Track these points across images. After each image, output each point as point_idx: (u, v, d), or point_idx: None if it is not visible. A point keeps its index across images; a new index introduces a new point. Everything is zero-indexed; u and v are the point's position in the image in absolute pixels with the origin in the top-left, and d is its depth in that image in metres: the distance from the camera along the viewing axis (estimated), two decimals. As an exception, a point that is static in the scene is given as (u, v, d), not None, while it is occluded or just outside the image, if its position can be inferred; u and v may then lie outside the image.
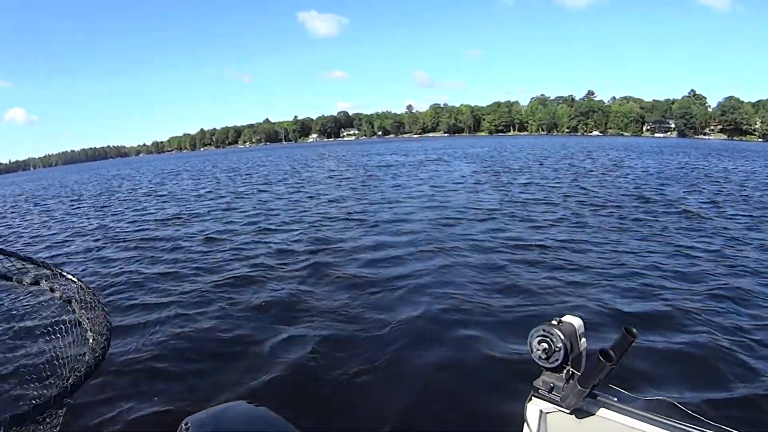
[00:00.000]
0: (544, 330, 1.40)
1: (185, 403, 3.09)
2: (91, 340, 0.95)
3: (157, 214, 11.98)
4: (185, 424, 1.28)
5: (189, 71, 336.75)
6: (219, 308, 4.84)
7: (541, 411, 1.53)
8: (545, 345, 1.41)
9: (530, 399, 1.51)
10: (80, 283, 1.13)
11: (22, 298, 1.20)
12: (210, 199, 14.37)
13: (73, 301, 1.07)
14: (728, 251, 6.21)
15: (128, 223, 10.94)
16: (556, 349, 1.39)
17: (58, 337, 1.05)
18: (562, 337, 1.38)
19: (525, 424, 1.52)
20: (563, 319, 1.45)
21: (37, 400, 0.68)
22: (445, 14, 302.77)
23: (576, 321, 1.45)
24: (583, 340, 1.45)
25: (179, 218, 10.90)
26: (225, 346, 4.00)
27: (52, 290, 1.12)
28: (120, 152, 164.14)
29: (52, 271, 1.16)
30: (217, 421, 1.30)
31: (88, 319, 1.01)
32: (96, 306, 1.04)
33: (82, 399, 3.00)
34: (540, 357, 1.42)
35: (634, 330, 1.25)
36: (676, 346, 3.70)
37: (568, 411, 1.44)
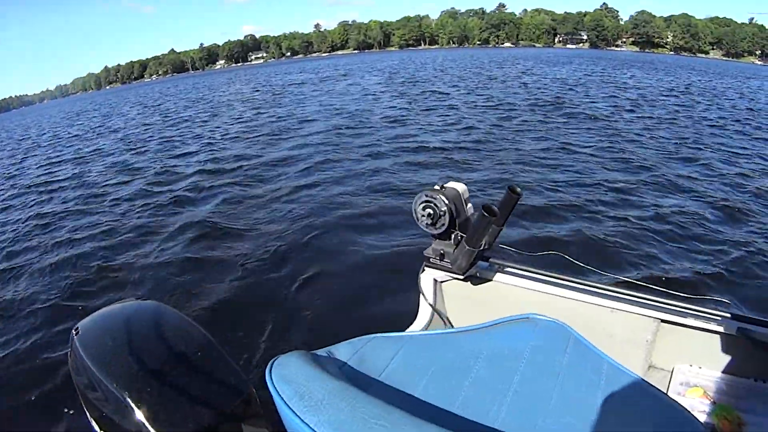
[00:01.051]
0: (426, 195, 1.35)
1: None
2: None
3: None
4: (75, 330, 1.20)
5: (84, 6, 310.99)
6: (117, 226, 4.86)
7: (435, 280, 1.51)
8: (430, 210, 1.35)
9: (423, 269, 1.49)
10: None
11: None
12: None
13: None
14: (614, 146, 6.55)
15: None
16: (441, 213, 1.34)
17: None
18: (446, 201, 1.33)
19: (421, 294, 1.52)
20: (446, 185, 1.40)
21: None
22: None
23: (460, 186, 1.41)
24: (470, 205, 1.41)
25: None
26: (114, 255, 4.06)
27: None
28: (23, 102, 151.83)
29: None
30: (105, 319, 1.24)
31: None
32: None
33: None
34: (426, 224, 1.37)
35: (518, 189, 1.27)
36: (561, 205, 4.09)
37: (462, 276, 1.41)
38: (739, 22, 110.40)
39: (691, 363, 1.28)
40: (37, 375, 2.51)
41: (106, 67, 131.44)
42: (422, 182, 5.09)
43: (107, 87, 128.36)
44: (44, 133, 16.65)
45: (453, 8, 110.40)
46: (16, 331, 2.97)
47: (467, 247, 1.29)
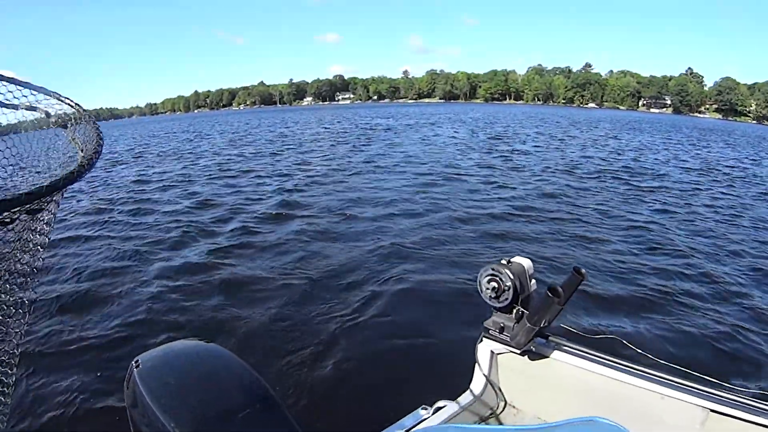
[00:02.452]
0: (493, 269, 1.38)
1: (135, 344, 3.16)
2: (80, 152, 0.93)
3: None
4: (135, 362, 1.20)
5: (178, 33, 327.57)
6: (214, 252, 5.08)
7: (492, 351, 1.51)
8: (495, 284, 1.38)
9: (481, 340, 1.51)
10: (76, 106, 1.06)
11: (19, 123, 1.10)
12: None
13: (68, 124, 1.03)
14: (675, 225, 6.48)
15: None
16: (506, 288, 1.37)
17: (53, 158, 1.02)
18: (511, 276, 1.36)
19: (476, 364, 1.53)
20: (513, 259, 1.43)
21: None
22: None
23: (526, 262, 1.43)
24: (533, 281, 1.44)
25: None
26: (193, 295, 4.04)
27: (48, 115, 1.07)
28: (113, 114, 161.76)
29: (49, 95, 1.06)
30: (168, 356, 1.25)
31: (80, 138, 0.98)
32: (89, 125, 1.00)
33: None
34: (490, 296, 1.40)
35: (583, 270, 1.27)
36: (624, 292, 3.98)
37: (518, 351, 1.43)
38: None
39: None
40: (93, 402, 2.59)
41: (196, 91, 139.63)
42: (486, 249, 5.14)
43: (195, 111, 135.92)
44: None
45: (540, 65, 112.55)
46: (76, 358, 3.03)
47: (528, 325, 1.34)
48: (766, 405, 1.22)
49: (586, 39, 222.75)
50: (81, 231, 6.34)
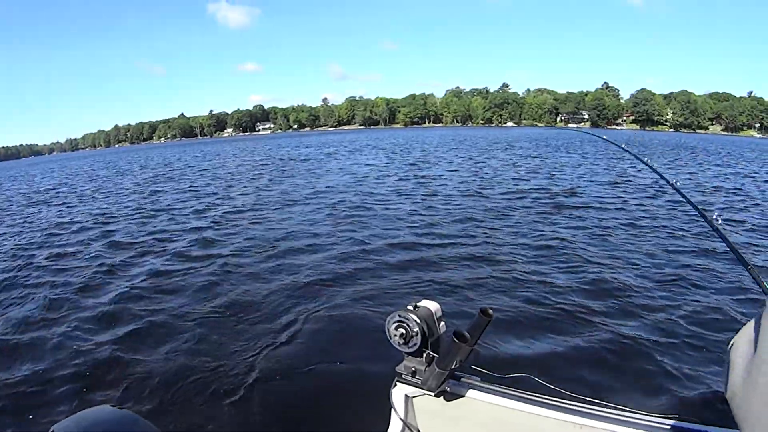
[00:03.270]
0: (400, 316, 1.39)
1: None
2: None
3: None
4: None
5: (97, 63, 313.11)
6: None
7: (406, 395, 1.52)
8: (402, 330, 1.39)
9: (395, 384, 1.52)
10: None
11: None
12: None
13: None
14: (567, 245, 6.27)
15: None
16: (413, 333, 1.38)
17: None
18: (418, 321, 1.37)
19: (392, 409, 1.52)
20: (420, 304, 1.44)
21: None
22: (358, 5, 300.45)
23: (433, 305, 1.44)
24: (442, 323, 1.45)
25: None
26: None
27: None
28: (33, 150, 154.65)
29: None
30: (81, 426, 1.21)
31: None
32: None
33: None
34: (399, 343, 1.41)
35: (490, 311, 1.30)
36: (534, 318, 4.02)
37: (432, 393, 1.44)
38: (737, 96, 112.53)
39: None
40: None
41: (116, 126, 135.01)
42: (399, 280, 5.09)
43: (116, 145, 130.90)
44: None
45: (458, 87, 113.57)
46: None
47: (437, 370, 1.34)
48: (685, 425, 1.26)
49: (503, 59, 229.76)
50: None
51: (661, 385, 3.05)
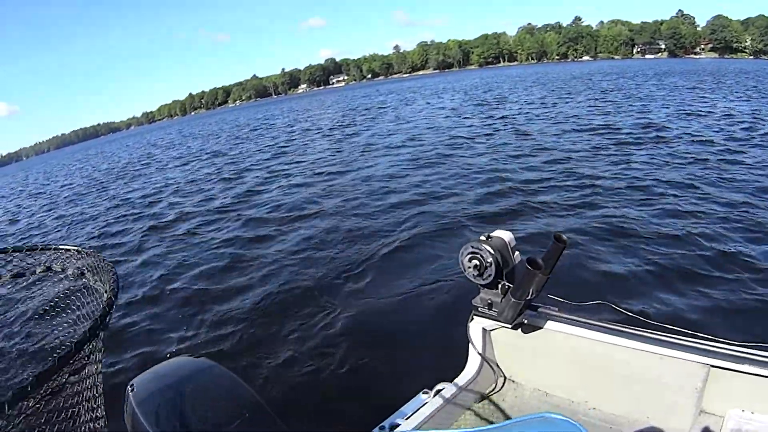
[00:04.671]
0: (473, 247, 1.37)
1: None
2: (104, 293, 0.96)
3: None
4: (130, 386, 1.26)
5: (164, 40, 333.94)
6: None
7: (483, 329, 1.52)
8: (476, 262, 1.37)
9: (472, 318, 1.51)
10: (85, 252, 1.13)
11: (41, 286, 1.19)
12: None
13: (86, 271, 1.09)
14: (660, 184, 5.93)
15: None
16: (487, 264, 1.35)
17: (80, 305, 1.06)
18: (491, 251, 1.35)
19: (470, 343, 1.53)
20: (492, 234, 1.41)
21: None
22: None
23: (506, 234, 1.41)
24: (516, 253, 1.43)
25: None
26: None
27: (63, 270, 1.13)
28: (111, 128, 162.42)
29: (59, 250, 1.15)
30: (160, 377, 1.30)
31: (100, 280, 1.04)
32: (102, 265, 1.05)
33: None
34: (473, 275, 1.39)
35: (564, 236, 1.25)
36: (613, 256, 3.84)
37: (509, 326, 1.42)
38: None
39: (743, 408, 1.23)
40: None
41: (190, 94, 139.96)
42: (483, 213, 5.28)
43: (192, 113, 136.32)
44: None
45: (530, 24, 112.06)
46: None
47: (513, 300, 1.33)
48: (765, 356, 1.21)
49: None
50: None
51: (753, 314, 2.90)
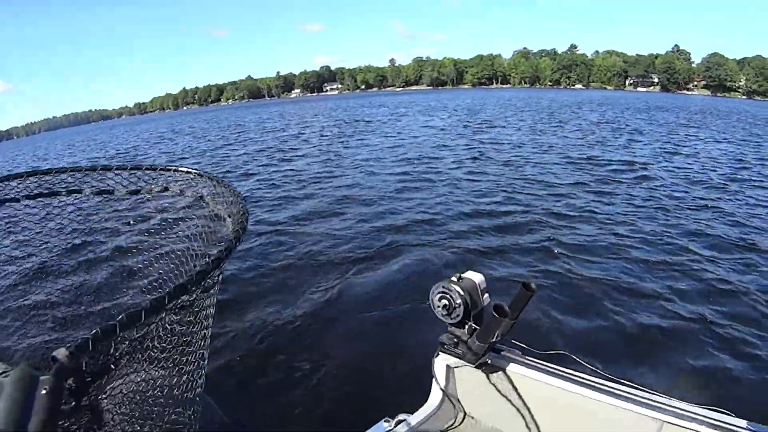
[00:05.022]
0: (443, 287, 1.41)
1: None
2: (228, 219, 0.96)
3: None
4: None
5: (162, 31, 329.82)
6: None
7: (448, 366, 1.56)
8: (445, 301, 1.41)
9: (437, 354, 1.55)
10: (206, 176, 1.13)
11: (155, 205, 1.21)
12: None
13: (205, 195, 1.10)
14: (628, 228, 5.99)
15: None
16: (456, 305, 1.39)
17: (199, 230, 1.07)
18: (461, 293, 1.39)
19: (434, 378, 1.58)
20: (464, 275, 1.45)
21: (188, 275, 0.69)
22: None
23: (477, 277, 1.45)
24: (486, 295, 1.46)
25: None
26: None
27: (182, 192, 1.14)
28: (102, 115, 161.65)
29: (179, 172, 1.16)
30: None
31: (222, 205, 1.04)
32: (226, 191, 1.04)
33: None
34: (442, 314, 1.43)
35: (533, 285, 1.28)
36: (577, 307, 3.87)
37: (473, 365, 1.46)
38: None
39: None
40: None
41: (184, 88, 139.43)
42: (457, 247, 5.19)
43: (184, 108, 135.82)
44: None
45: (525, 48, 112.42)
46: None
47: (477, 342, 1.37)
48: (718, 417, 1.23)
49: (570, 19, 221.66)
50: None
51: (706, 375, 3.01)
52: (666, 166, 10.19)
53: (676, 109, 32.82)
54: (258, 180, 10.17)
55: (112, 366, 0.78)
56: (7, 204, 1.16)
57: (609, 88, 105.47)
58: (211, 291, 0.86)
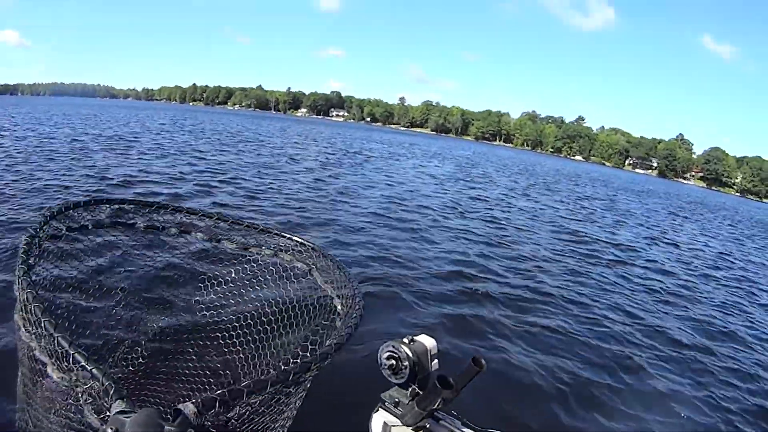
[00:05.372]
0: (393, 346, 1.39)
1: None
2: (339, 307, 0.97)
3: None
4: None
5: (186, 21, 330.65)
6: None
7: (385, 423, 1.52)
8: (393, 362, 1.39)
9: (377, 410, 1.50)
10: (320, 251, 1.14)
11: (261, 268, 1.23)
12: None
13: (315, 270, 1.11)
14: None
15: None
16: (403, 366, 1.38)
17: (307, 306, 1.10)
18: (410, 355, 1.37)
19: None
20: (416, 338, 1.43)
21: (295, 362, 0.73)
22: (445, 10, 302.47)
23: (429, 342, 1.44)
24: (435, 361, 1.44)
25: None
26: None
27: (290, 261, 1.18)
28: (110, 92, 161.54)
29: (291, 239, 1.21)
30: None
31: (330, 284, 1.05)
32: (338, 272, 1.05)
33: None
34: (387, 373, 1.41)
35: (483, 361, 1.26)
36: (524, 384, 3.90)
37: (410, 428, 1.43)
38: None
39: None
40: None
41: (194, 84, 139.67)
42: (414, 306, 5.06)
43: (191, 103, 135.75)
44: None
45: (534, 111, 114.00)
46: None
47: (416, 408, 1.37)
48: None
49: (581, 90, 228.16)
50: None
51: None
52: (649, 253, 10.35)
53: (672, 196, 34.39)
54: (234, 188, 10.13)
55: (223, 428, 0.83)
56: (122, 227, 1.21)
57: (608, 164, 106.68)
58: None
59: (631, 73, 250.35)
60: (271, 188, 10.63)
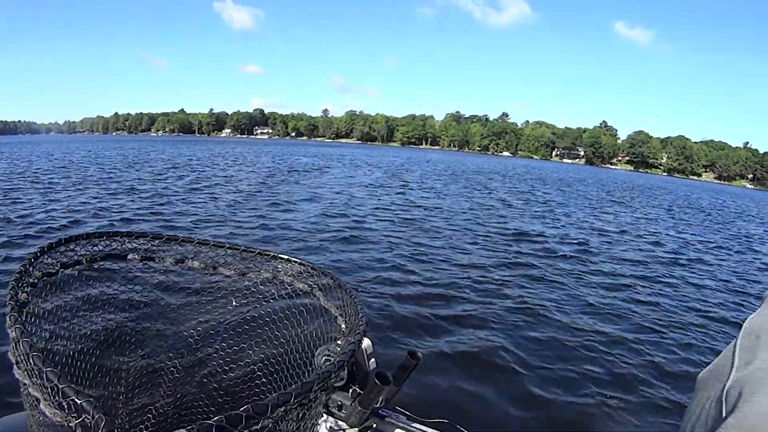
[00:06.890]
0: (329, 350, 1.39)
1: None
2: (343, 326, 0.99)
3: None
4: None
5: (101, 47, 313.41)
6: None
7: (331, 428, 1.55)
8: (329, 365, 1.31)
9: (321, 415, 1.53)
10: (319, 271, 1.20)
11: (262, 292, 1.30)
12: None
13: (317, 290, 1.16)
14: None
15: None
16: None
17: (310, 328, 1.14)
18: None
19: None
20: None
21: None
22: (363, 17, 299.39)
23: (364, 341, 1.41)
24: (372, 360, 1.47)
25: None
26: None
27: (291, 284, 1.21)
28: (30, 128, 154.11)
29: (289, 262, 1.24)
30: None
31: (334, 303, 1.10)
32: (341, 291, 1.09)
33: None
34: None
35: (419, 354, 1.30)
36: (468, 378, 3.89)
37: (356, 429, 1.46)
38: (733, 146, 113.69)
39: None
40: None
41: (116, 113, 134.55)
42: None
43: (113, 133, 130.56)
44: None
45: (458, 112, 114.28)
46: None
47: (359, 408, 1.35)
48: None
49: (504, 87, 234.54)
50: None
51: None
52: (576, 240, 9.95)
53: (599, 183, 34.89)
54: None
55: None
56: (115, 260, 1.23)
57: (536, 157, 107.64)
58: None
59: (551, 66, 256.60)
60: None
